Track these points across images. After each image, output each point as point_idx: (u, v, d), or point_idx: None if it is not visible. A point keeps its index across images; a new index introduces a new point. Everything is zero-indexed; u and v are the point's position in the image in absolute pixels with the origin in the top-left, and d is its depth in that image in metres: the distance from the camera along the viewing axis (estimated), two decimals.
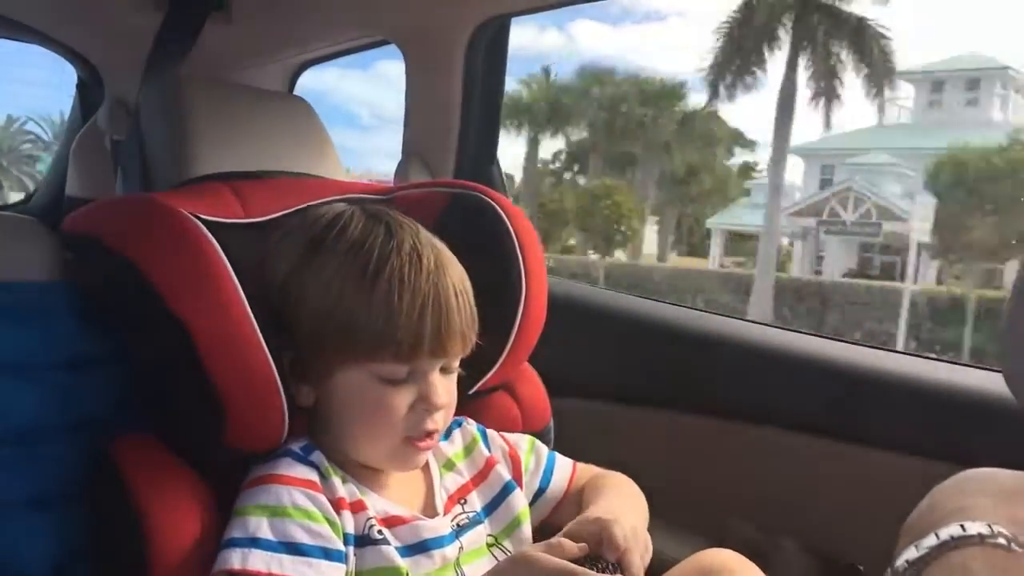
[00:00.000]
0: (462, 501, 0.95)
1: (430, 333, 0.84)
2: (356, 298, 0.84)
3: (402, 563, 0.84)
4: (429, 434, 0.88)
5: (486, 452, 1.00)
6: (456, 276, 0.89)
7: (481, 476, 0.98)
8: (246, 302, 0.84)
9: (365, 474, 0.90)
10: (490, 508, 0.96)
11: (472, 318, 0.90)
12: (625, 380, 1.49)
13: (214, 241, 0.85)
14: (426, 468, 0.96)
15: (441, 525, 0.90)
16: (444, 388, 0.88)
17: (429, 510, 0.92)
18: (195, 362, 0.82)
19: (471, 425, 1.02)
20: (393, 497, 0.90)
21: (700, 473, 1.37)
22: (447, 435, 1.00)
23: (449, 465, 0.98)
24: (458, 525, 0.91)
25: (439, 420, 0.89)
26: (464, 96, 1.61)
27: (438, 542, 0.88)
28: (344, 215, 0.90)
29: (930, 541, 0.56)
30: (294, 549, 0.80)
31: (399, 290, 0.83)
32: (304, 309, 0.86)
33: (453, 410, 0.93)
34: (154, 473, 0.86)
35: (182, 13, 1.39)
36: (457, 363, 0.91)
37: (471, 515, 0.93)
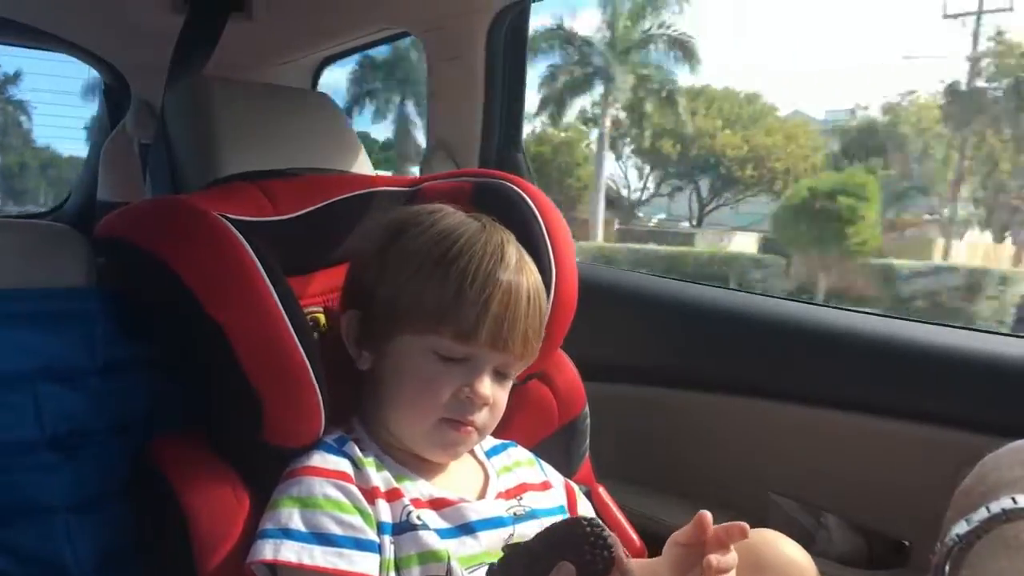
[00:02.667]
0: (519, 498, 0.95)
1: (492, 321, 0.86)
2: (433, 273, 0.87)
3: (442, 547, 0.84)
4: (467, 423, 0.89)
5: (544, 475, 1.02)
6: (533, 284, 0.91)
7: (537, 488, 0.99)
8: (279, 302, 0.84)
9: (412, 460, 0.91)
10: (546, 515, 0.96)
11: (539, 328, 0.92)
12: (660, 362, 1.48)
13: (245, 242, 0.86)
14: (483, 465, 0.98)
15: (490, 508, 0.91)
16: (494, 389, 0.90)
17: (479, 498, 0.93)
18: (231, 362, 0.83)
19: (526, 451, 1.04)
20: (441, 483, 0.91)
21: (740, 452, 1.36)
22: (502, 449, 1.01)
23: (507, 469, 0.99)
24: (515, 515, 0.92)
25: (481, 418, 0.90)
26: (486, 84, 1.61)
27: (485, 524, 0.88)
28: (445, 209, 0.94)
29: (981, 515, 0.55)
30: (325, 540, 0.81)
31: (474, 273, 0.86)
32: (384, 278, 0.90)
33: (498, 418, 0.93)
34: (196, 471, 0.87)
35: (203, 15, 1.40)
36: (514, 372, 0.93)
37: (528, 510, 0.94)
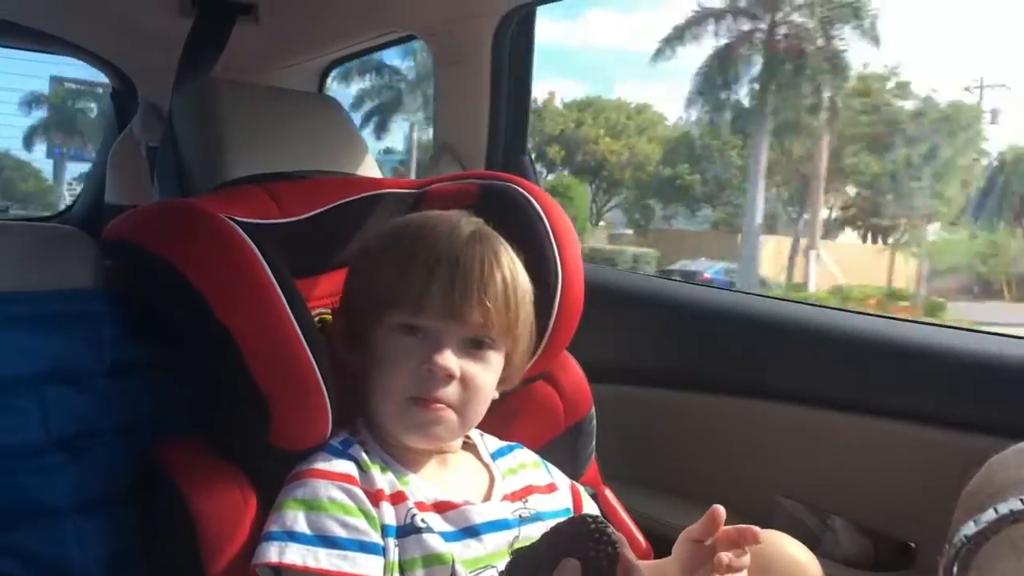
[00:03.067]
0: (524, 500, 0.95)
1: (440, 290, 0.87)
2: (387, 257, 0.90)
3: (446, 549, 0.84)
4: (433, 400, 0.88)
5: (550, 477, 1.01)
6: (491, 254, 0.90)
7: (543, 490, 0.99)
8: (286, 303, 0.85)
9: (416, 462, 0.91)
10: (551, 517, 0.95)
11: (502, 296, 0.90)
12: (666, 364, 1.48)
13: (252, 244, 0.86)
14: (488, 467, 0.97)
15: (495, 510, 0.90)
16: (465, 364, 0.89)
17: (484, 500, 0.93)
18: (239, 364, 0.83)
19: (532, 453, 1.03)
20: (445, 486, 0.91)
21: (745, 454, 1.36)
22: (508, 451, 1.01)
23: (512, 472, 0.98)
24: (520, 517, 0.92)
25: (450, 394, 0.88)
26: (492, 87, 1.61)
27: (490, 526, 0.88)
28: (429, 212, 0.98)
29: (989, 516, 0.55)
30: (330, 542, 0.81)
31: (418, 246, 0.88)
32: (356, 278, 0.95)
33: (479, 398, 0.91)
34: (203, 474, 0.87)
35: (210, 19, 1.41)
36: (490, 345, 0.91)
37: (533, 512, 0.93)
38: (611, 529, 0.75)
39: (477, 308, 0.88)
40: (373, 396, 0.91)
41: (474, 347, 0.90)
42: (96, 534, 0.90)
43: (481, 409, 0.93)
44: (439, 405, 0.89)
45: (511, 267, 0.92)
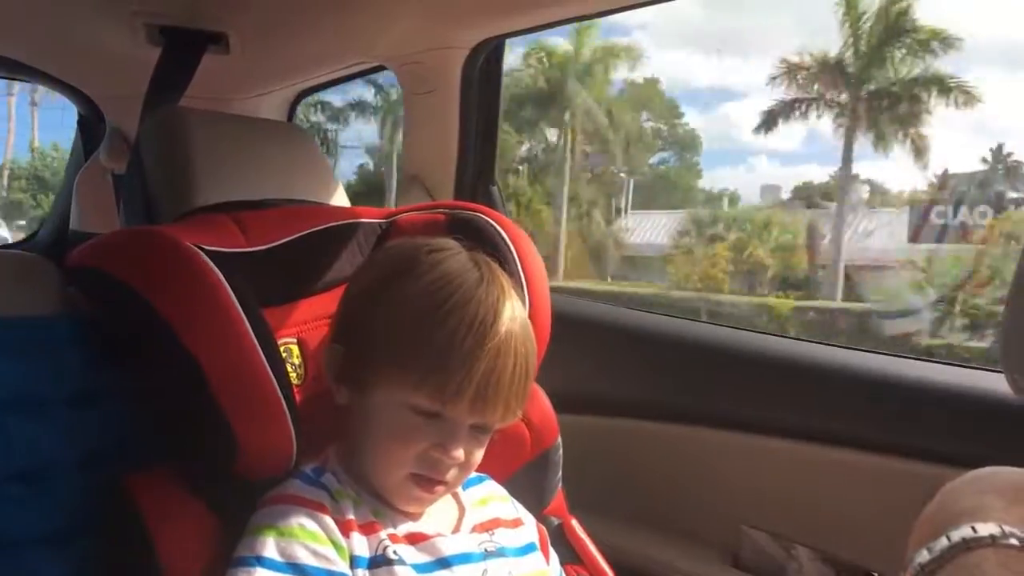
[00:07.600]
0: (491, 532, 0.95)
1: (475, 388, 0.84)
2: (423, 327, 0.85)
3: None
4: (436, 482, 0.88)
5: (516, 513, 1.01)
6: (522, 347, 0.88)
7: (509, 524, 0.98)
8: (253, 334, 0.84)
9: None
10: (515, 554, 0.95)
11: (523, 394, 0.89)
12: (632, 394, 1.49)
13: (218, 272, 0.86)
14: (457, 498, 0.97)
15: (465, 543, 0.90)
16: (470, 447, 0.88)
17: (454, 531, 0.93)
18: (204, 394, 0.82)
19: (500, 488, 1.03)
20: (417, 517, 0.91)
21: (711, 484, 1.37)
22: (478, 482, 1.01)
23: (483, 502, 0.98)
24: (485, 551, 0.91)
25: (451, 475, 0.89)
26: (461, 118, 1.62)
27: (462, 558, 0.88)
28: (448, 248, 0.91)
29: (941, 544, 0.56)
30: (299, 570, 0.80)
31: (464, 337, 0.84)
32: (372, 321, 0.89)
33: (470, 472, 0.92)
34: (167, 506, 0.86)
35: (179, 48, 1.41)
36: (493, 429, 0.91)
37: (498, 547, 0.93)
38: None
39: (501, 407, 0.87)
40: (368, 454, 0.89)
41: (480, 432, 0.90)
42: (58, 567, 0.89)
43: (467, 478, 0.93)
44: (439, 487, 0.89)
45: (531, 359, 0.90)
